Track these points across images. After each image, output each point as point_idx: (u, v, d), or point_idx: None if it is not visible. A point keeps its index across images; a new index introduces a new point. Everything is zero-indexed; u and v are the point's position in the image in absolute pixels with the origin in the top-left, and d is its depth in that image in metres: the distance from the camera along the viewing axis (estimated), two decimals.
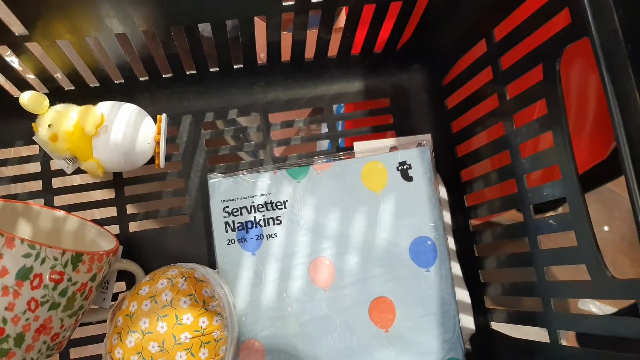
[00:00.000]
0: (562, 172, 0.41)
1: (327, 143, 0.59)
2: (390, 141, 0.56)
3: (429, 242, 0.53)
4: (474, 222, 0.56)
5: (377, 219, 0.53)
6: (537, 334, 0.47)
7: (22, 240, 0.42)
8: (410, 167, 0.53)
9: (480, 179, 0.54)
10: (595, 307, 0.66)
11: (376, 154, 0.54)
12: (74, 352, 0.54)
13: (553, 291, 0.45)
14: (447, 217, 0.55)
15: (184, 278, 0.47)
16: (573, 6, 0.38)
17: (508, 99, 0.47)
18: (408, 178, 0.53)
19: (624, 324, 0.38)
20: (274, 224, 0.53)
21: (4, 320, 0.43)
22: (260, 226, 0.53)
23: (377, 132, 0.58)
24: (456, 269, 0.55)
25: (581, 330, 0.43)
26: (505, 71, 0.47)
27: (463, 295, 0.54)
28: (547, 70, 0.42)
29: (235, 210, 0.53)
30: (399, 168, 0.53)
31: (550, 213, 0.46)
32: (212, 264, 0.53)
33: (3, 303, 0.42)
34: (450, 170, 0.57)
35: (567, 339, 0.46)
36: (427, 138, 0.56)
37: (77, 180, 0.56)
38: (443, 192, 0.56)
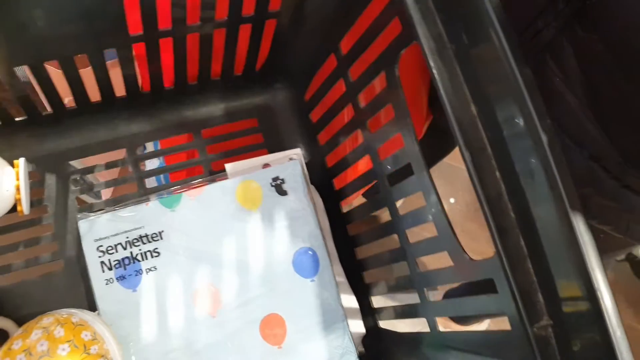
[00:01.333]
0: (414, 169, 0.44)
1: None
2: (261, 159, 0.57)
3: (310, 252, 0.54)
4: (351, 226, 0.58)
5: (256, 237, 0.53)
6: (421, 324, 0.50)
7: None
8: (283, 181, 0.55)
9: (351, 185, 0.56)
10: None
11: (249, 173, 0.55)
12: None
13: (425, 281, 0.48)
14: (326, 225, 0.57)
15: (59, 325, 0.45)
16: (401, 15, 0.41)
17: (361, 107, 0.50)
18: (283, 192, 0.55)
19: (487, 302, 0.41)
20: (151, 256, 0.52)
21: None
22: (138, 261, 0.52)
23: (248, 152, 0.59)
24: (341, 274, 0.56)
25: (453, 315, 0.46)
26: (355, 82, 0.50)
27: (350, 300, 0.56)
28: (389, 77, 0.45)
29: (110, 248, 0.52)
30: (273, 184, 0.55)
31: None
32: (93, 307, 0.51)
33: None
34: (323, 179, 0.59)
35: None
36: (297, 152, 0.58)
37: None
38: (319, 202, 0.58)
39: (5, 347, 0.45)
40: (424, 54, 0.38)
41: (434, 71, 0.38)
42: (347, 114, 0.53)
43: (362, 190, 0.55)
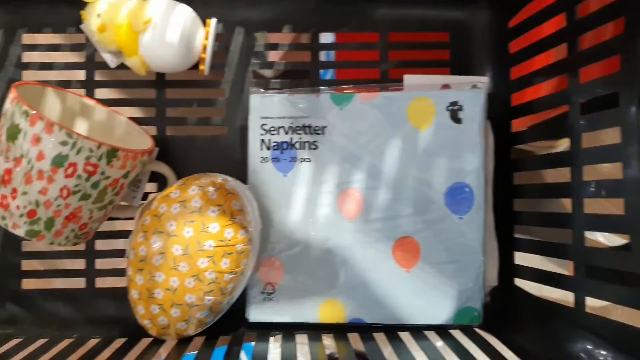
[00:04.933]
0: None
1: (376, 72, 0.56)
2: (443, 78, 0.53)
3: (467, 190, 0.51)
4: (518, 175, 0.54)
5: (416, 158, 0.51)
6: (562, 296, 0.46)
7: (61, 128, 0.42)
8: (461, 108, 0.51)
9: (530, 131, 0.51)
10: (603, 237, 0.63)
11: (426, 90, 0.52)
12: (99, 244, 0.55)
13: (588, 258, 0.43)
14: (490, 166, 0.53)
15: (215, 188, 0.47)
16: None
17: (578, 50, 0.44)
18: (457, 120, 0.51)
19: None
20: (309, 148, 0.52)
21: (37, 203, 0.44)
22: (296, 148, 0.52)
23: (429, 67, 0.55)
24: (491, 220, 0.53)
25: (610, 301, 0.41)
26: (580, 20, 0.44)
27: (491, 247, 0.53)
28: (629, 24, 0.38)
29: (272, 128, 0.52)
30: (449, 108, 0.51)
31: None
32: (244, 179, 0.52)
33: (37, 187, 0.43)
34: (502, 117, 0.54)
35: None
36: (483, 80, 0.53)
37: (120, 75, 0.55)
38: (491, 140, 0.53)
39: (165, 192, 0.48)
40: None
41: None
42: (555, 54, 0.47)
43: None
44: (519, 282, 0.53)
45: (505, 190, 0.54)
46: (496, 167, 0.53)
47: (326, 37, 0.57)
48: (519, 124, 0.54)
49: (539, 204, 0.50)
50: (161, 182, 0.55)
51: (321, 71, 0.57)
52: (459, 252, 0.51)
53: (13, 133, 0.43)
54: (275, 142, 0.52)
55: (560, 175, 0.47)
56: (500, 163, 0.53)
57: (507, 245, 0.53)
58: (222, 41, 0.55)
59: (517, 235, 0.53)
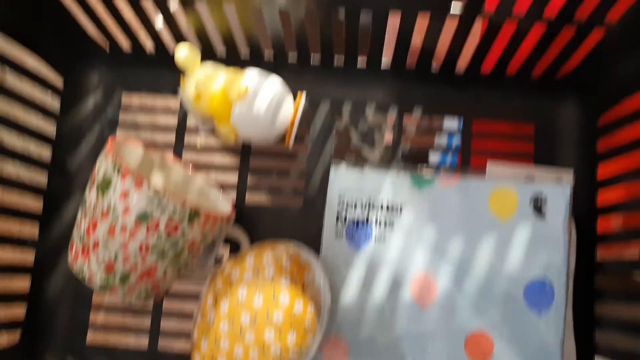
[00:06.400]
0: None
1: (454, 158, 0.56)
2: (527, 169, 0.52)
3: (547, 287, 0.49)
4: (601, 278, 0.51)
5: (496, 249, 0.50)
6: None
7: (149, 185, 0.43)
8: (545, 202, 0.50)
9: (619, 234, 0.49)
10: None
11: (508, 180, 0.51)
12: (167, 303, 0.55)
13: None
14: (572, 264, 0.51)
15: (289, 257, 0.47)
16: None
17: None
18: (540, 213, 0.50)
19: None
20: (385, 227, 0.51)
21: (116, 257, 0.44)
22: (372, 227, 0.51)
23: (512, 157, 0.55)
24: (569, 319, 0.50)
25: None
26: None
27: (570, 349, 0.50)
28: None
29: (350, 203, 0.52)
30: (532, 200, 0.50)
31: None
32: (317, 252, 0.52)
33: (119, 240, 0.44)
34: (585, 215, 0.52)
35: None
36: (569, 175, 0.52)
37: (208, 141, 0.57)
38: (573, 237, 0.51)
39: (239, 258, 0.48)
40: None
41: None
42: None
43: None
44: None
45: (585, 291, 0.51)
46: (577, 267, 0.51)
47: (411, 121, 0.57)
48: (604, 225, 0.51)
49: (623, 308, 0.47)
50: (234, 246, 0.55)
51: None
52: (535, 352, 0.48)
53: (104, 186, 0.44)
54: (351, 217, 0.52)
55: None
56: (582, 263, 0.51)
57: (585, 349, 0.50)
58: (307, 116, 0.57)
59: (598, 341, 0.50)
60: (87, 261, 0.45)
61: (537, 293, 0.49)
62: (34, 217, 0.55)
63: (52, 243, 0.56)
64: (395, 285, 0.50)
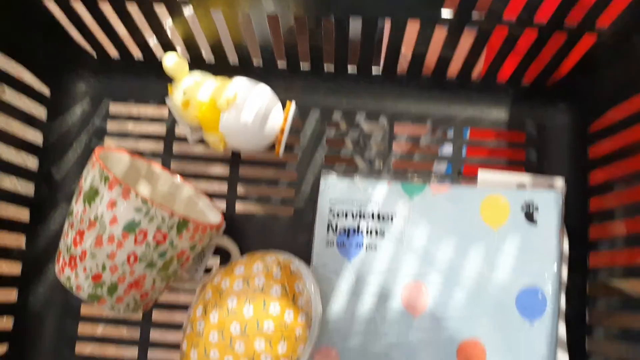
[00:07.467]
0: None
1: (446, 166, 0.56)
2: (518, 177, 0.52)
3: (539, 294, 0.48)
4: (593, 285, 0.51)
5: (488, 257, 0.49)
6: None
7: (137, 194, 0.42)
8: (537, 209, 0.49)
9: (611, 241, 0.49)
10: None
11: (500, 187, 0.51)
12: (157, 314, 0.54)
13: None
14: (564, 272, 0.51)
15: (279, 267, 0.46)
16: None
17: None
18: (532, 220, 0.49)
19: None
20: (376, 235, 0.51)
21: (104, 267, 0.44)
22: (362, 235, 0.51)
23: (504, 165, 0.54)
24: (561, 329, 0.50)
25: None
26: None
27: (561, 356, 0.49)
28: None
29: (341, 212, 0.52)
30: (524, 208, 0.50)
31: None
32: (307, 261, 0.51)
33: (106, 250, 0.43)
34: (576, 223, 0.52)
35: None
36: (560, 182, 0.52)
37: (196, 150, 0.57)
38: (566, 245, 0.51)
39: (229, 268, 0.48)
40: None
41: None
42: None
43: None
44: None
45: (579, 298, 0.51)
46: (569, 275, 0.51)
47: (402, 129, 0.57)
48: (595, 232, 0.51)
49: (614, 316, 0.47)
50: (224, 256, 0.55)
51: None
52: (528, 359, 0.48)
53: (91, 196, 0.44)
54: (342, 226, 0.52)
55: None
56: (574, 271, 0.51)
57: (578, 359, 0.50)
58: (297, 125, 0.57)
59: (588, 349, 0.50)
60: (74, 271, 0.45)
61: (529, 301, 0.48)
62: (21, 227, 0.54)
63: (39, 253, 0.55)
64: (386, 293, 0.50)
